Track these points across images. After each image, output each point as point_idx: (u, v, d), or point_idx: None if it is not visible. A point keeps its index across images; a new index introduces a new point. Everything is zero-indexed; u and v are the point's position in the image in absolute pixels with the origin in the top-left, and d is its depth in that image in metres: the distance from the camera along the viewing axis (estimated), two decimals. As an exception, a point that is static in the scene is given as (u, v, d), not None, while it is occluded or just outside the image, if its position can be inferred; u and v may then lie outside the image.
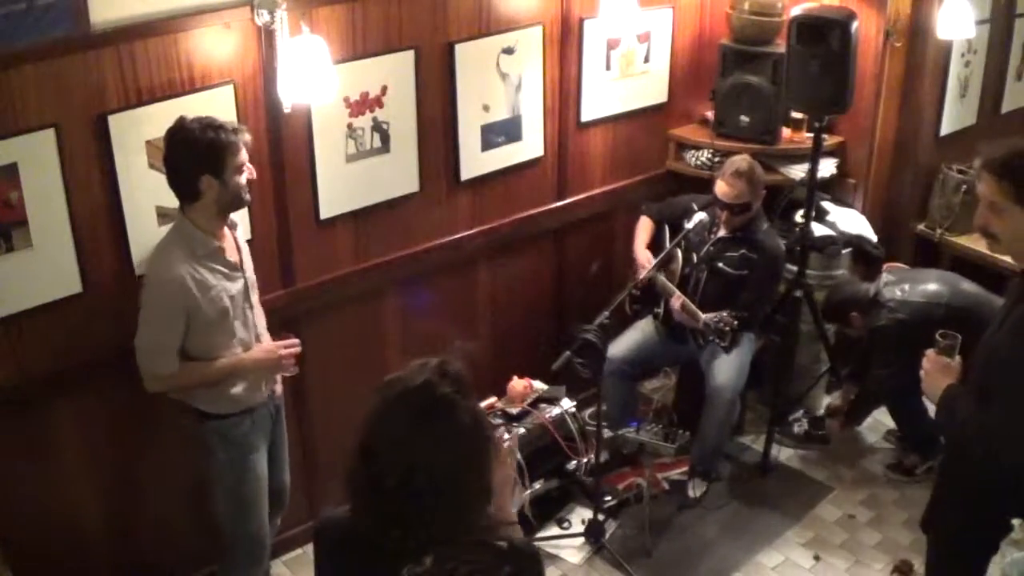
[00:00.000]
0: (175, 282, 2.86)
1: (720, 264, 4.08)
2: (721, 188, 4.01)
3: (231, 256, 3.03)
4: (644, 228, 4.33)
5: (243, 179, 2.93)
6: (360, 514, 1.81)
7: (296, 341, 3.18)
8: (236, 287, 3.03)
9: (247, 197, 2.98)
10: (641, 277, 4.05)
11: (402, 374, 1.79)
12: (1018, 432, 2.54)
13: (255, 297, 3.16)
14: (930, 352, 2.77)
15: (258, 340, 3.14)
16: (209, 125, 2.84)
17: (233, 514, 3.18)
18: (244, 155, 2.91)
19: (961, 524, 2.97)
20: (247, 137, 2.93)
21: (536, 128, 4.14)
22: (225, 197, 2.90)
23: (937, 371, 2.72)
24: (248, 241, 3.42)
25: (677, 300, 3.94)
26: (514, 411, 4.11)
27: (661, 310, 4.17)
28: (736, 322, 3.78)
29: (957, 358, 2.73)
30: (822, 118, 4.06)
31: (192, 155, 2.83)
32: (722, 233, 4.10)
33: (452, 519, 1.76)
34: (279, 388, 3.29)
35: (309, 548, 3.98)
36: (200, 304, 2.91)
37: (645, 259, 4.17)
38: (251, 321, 3.11)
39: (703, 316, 3.85)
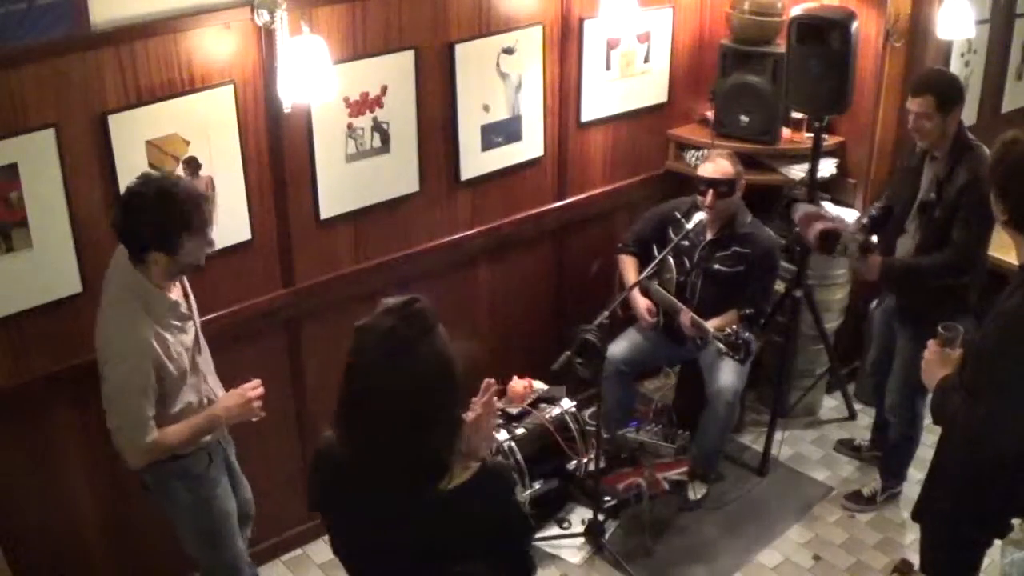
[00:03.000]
0: (143, 344, 2.72)
1: (715, 266, 4.07)
2: (705, 169, 4.02)
3: (182, 305, 2.90)
4: (630, 269, 4.21)
5: (200, 251, 2.77)
6: (342, 444, 2.00)
7: (258, 382, 3.00)
8: (189, 338, 2.91)
9: (202, 263, 2.83)
10: (631, 283, 4.06)
11: (369, 320, 1.94)
12: (1002, 425, 2.59)
13: (202, 339, 3.02)
14: (931, 342, 2.83)
15: (206, 383, 3.01)
16: (169, 196, 2.64)
17: (206, 550, 3.11)
18: (208, 232, 2.74)
19: (950, 514, 3.00)
20: (211, 204, 2.77)
21: (536, 128, 4.14)
22: (175, 266, 2.76)
23: (936, 361, 2.79)
24: (248, 241, 3.43)
25: (686, 316, 3.91)
26: (514, 411, 4.11)
27: (661, 319, 4.15)
28: (747, 332, 3.77)
29: (958, 350, 2.76)
30: (822, 118, 4.06)
31: (144, 226, 2.66)
32: (710, 236, 4.09)
33: (418, 450, 1.92)
34: None
35: (309, 548, 4.00)
36: (166, 364, 2.78)
37: (644, 307, 4.12)
38: (200, 369, 2.98)
39: (712, 330, 3.84)
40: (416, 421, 1.90)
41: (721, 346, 3.77)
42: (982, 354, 2.68)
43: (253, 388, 2.99)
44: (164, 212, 2.66)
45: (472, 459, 2.08)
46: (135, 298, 2.76)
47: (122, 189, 3.04)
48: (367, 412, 1.93)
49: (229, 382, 3.06)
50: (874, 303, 4.26)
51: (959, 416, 2.68)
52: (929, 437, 4.21)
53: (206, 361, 3.05)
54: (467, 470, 1.99)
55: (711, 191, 3.98)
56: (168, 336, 2.81)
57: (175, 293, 2.88)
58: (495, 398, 2.25)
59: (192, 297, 2.99)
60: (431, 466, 1.94)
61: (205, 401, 2.98)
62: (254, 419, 3.02)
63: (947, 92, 3.59)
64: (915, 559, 3.74)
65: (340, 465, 2.02)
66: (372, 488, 1.98)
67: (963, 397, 2.66)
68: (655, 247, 4.19)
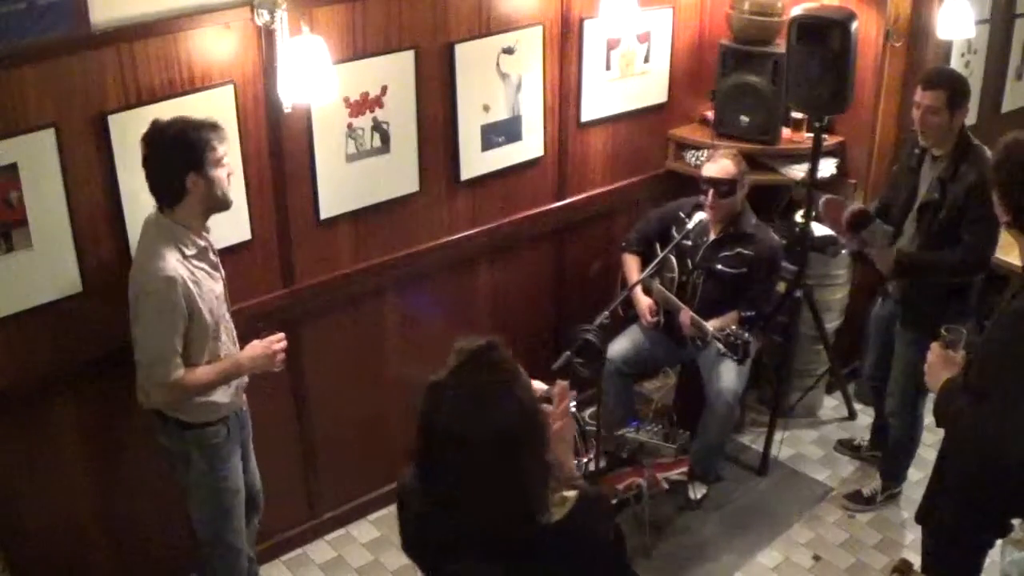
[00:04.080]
0: (175, 281, 2.81)
1: (718, 266, 4.07)
2: (707, 170, 4.02)
3: (211, 251, 3.01)
4: (633, 268, 4.23)
5: (224, 174, 2.90)
6: (426, 497, 1.85)
7: (282, 335, 3.13)
8: (219, 288, 3.02)
9: (231, 197, 2.96)
10: (633, 281, 4.06)
11: (445, 374, 1.81)
12: (1009, 427, 2.56)
13: (228, 307, 3.12)
14: (935, 345, 2.81)
15: (235, 344, 3.11)
16: (185, 123, 2.83)
17: (212, 523, 3.16)
18: (222, 150, 2.87)
19: (955, 517, 2.99)
20: (224, 133, 2.90)
21: (536, 128, 4.14)
22: (210, 193, 2.87)
23: (939, 363, 2.77)
24: (248, 241, 3.44)
25: (686, 315, 3.91)
26: (514, 411, 4.10)
27: (662, 318, 4.15)
28: (746, 334, 3.77)
29: (961, 352, 2.75)
30: (822, 118, 4.06)
31: (174, 154, 2.80)
32: (713, 236, 4.09)
33: (511, 500, 1.78)
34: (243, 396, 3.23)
35: (309, 548, 4.00)
36: (197, 303, 2.87)
37: (646, 305, 4.13)
38: (229, 324, 3.09)
39: (711, 329, 3.84)
40: (507, 473, 1.77)
41: (720, 346, 3.77)
42: (987, 356, 2.66)
43: (278, 340, 3.09)
44: (187, 133, 2.80)
45: (563, 473, 1.97)
46: (166, 239, 2.86)
47: (122, 189, 3.07)
48: (452, 469, 1.78)
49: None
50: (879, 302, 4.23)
51: (965, 419, 2.65)
52: (929, 438, 4.22)
53: (233, 327, 3.13)
54: (565, 501, 1.88)
55: (712, 191, 3.98)
56: (202, 278, 2.90)
57: (203, 242, 2.96)
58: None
59: (217, 256, 3.06)
60: (528, 511, 1.82)
61: None
62: (275, 370, 3.11)
63: (959, 89, 3.59)
64: (915, 559, 3.73)
65: (428, 509, 1.88)
66: (469, 533, 1.83)
67: (968, 399, 2.64)
68: (658, 246, 4.19)
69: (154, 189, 2.89)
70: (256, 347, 3.08)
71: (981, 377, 2.64)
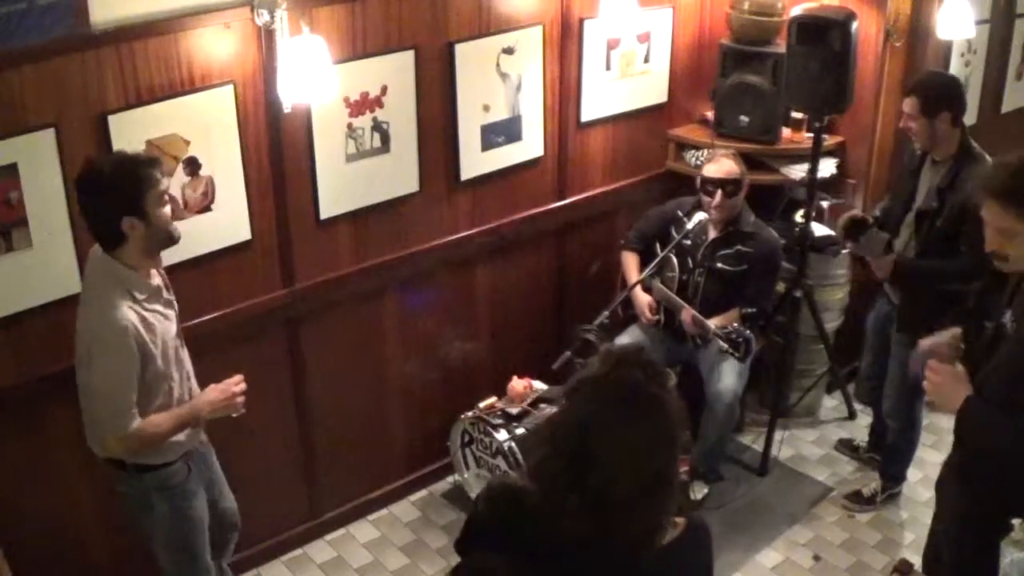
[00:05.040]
0: (127, 329, 2.67)
1: (718, 265, 4.07)
2: (710, 170, 4.02)
3: (163, 290, 2.87)
4: (632, 266, 4.24)
5: (168, 211, 2.74)
6: (555, 510, 1.73)
7: (240, 377, 2.97)
8: (173, 328, 2.87)
9: (177, 233, 2.79)
10: (633, 280, 4.06)
11: (603, 372, 1.75)
12: None
13: (182, 339, 2.98)
14: (932, 363, 2.68)
15: (188, 380, 2.97)
16: (120, 162, 2.68)
17: (179, 565, 3.05)
18: (164, 185, 2.72)
19: (985, 533, 2.94)
20: (164, 166, 2.76)
21: (536, 128, 4.14)
22: (152, 236, 2.71)
23: (949, 381, 2.61)
24: (248, 241, 3.43)
25: (687, 314, 3.92)
26: (514, 411, 4.11)
27: (662, 317, 4.15)
28: (748, 331, 3.76)
29: (959, 365, 2.68)
30: (822, 118, 4.06)
31: (108, 197, 2.65)
32: (712, 235, 4.10)
33: (653, 513, 1.74)
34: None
35: (309, 548, 4.00)
36: (150, 349, 2.73)
37: (645, 303, 4.14)
38: (183, 361, 2.94)
39: (713, 327, 3.84)
40: (659, 482, 1.71)
41: (722, 343, 3.77)
42: (1019, 370, 2.52)
43: (236, 383, 2.96)
44: (122, 174, 2.65)
45: None
46: (115, 284, 2.71)
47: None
48: (603, 474, 1.68)
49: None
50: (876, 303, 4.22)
51: (1006, 436, 2.49)
52: (929, 438, 4.23)
53: (187, 356, 3.01)
54: (676, 526, 1.83)
55: (719, 192, 3.98)
56: (154, 322, 2.77)
57: (155, 281, 2.85)
58: None
59: (172, 291, 2.94)
60: (657, 528, 1.76)
61: (186, 398, 2.94)
62: (234, 415, 2.98)
63: (932, 94, 3.53)
64: (915, 559, 3.74)
65: (533, 519, 1.76)
66: (583, 550, 1.73)
67: (1001, 415, 2.50)
68: (658, 245, 4.19)
69: (93, 233, 2.76)
70: (214, 391, 2.92)
71: (1011, 391, 2.50)
